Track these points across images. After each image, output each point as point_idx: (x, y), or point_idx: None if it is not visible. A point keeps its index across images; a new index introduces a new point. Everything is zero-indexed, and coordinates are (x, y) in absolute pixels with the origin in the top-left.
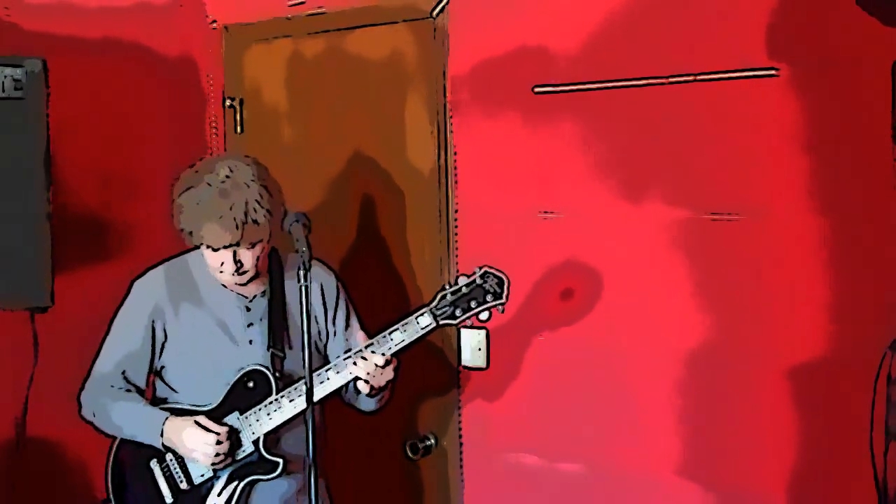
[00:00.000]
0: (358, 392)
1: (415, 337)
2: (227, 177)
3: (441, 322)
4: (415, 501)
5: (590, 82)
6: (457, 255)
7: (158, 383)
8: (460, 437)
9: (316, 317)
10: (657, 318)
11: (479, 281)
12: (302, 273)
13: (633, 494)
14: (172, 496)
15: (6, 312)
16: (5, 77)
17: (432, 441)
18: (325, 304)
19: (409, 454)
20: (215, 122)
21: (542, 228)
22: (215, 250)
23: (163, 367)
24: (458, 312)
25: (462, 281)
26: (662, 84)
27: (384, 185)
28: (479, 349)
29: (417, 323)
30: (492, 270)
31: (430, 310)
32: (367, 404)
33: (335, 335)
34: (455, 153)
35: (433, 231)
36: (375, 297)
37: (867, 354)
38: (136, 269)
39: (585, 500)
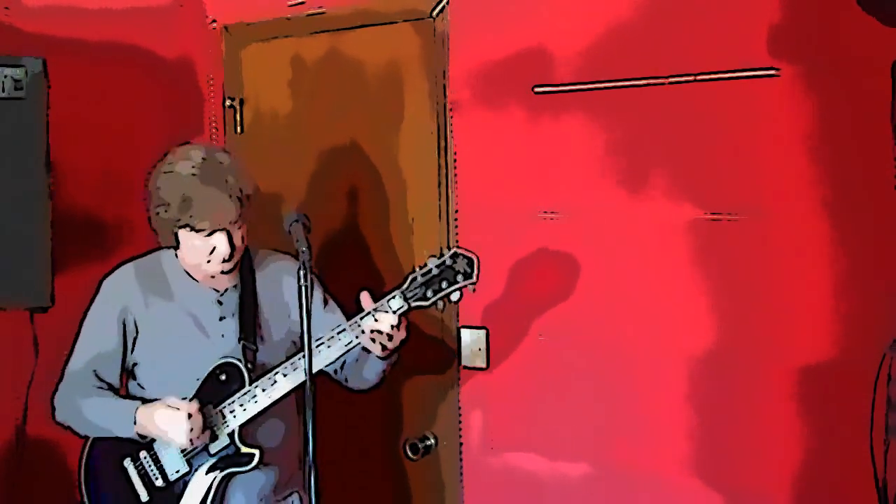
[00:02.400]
0: (367, 352)
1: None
2: (204, 159)
3: (413, 304)
4: (415, 501)
5: (590, 82)
6: None
7: (131, 382)
8: (460, 437)
9: (290, 309)
10: (657, 318)
11: (448, 262)
12: (302, 273)
13: (633, 494)
14: (148, 494)
15: (6, 312)
16: (5, 77)
17: (432, 441)
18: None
19: (409, 454)
20: (215, 123)
21: (543, 228)
22: (208, 235)
23: (135, 365)
24: (429, 293)
25: (432, 262)
26: (662, 84)
27: (384, 185)
28: (479, 349)
29: (390, 306)
30: (461, 251)
31: (402, 292)
32: (371, 373)
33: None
34: (455, 153)
35: (433, 231)
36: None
37: (867, 354)
38: None
39: (586, 501)
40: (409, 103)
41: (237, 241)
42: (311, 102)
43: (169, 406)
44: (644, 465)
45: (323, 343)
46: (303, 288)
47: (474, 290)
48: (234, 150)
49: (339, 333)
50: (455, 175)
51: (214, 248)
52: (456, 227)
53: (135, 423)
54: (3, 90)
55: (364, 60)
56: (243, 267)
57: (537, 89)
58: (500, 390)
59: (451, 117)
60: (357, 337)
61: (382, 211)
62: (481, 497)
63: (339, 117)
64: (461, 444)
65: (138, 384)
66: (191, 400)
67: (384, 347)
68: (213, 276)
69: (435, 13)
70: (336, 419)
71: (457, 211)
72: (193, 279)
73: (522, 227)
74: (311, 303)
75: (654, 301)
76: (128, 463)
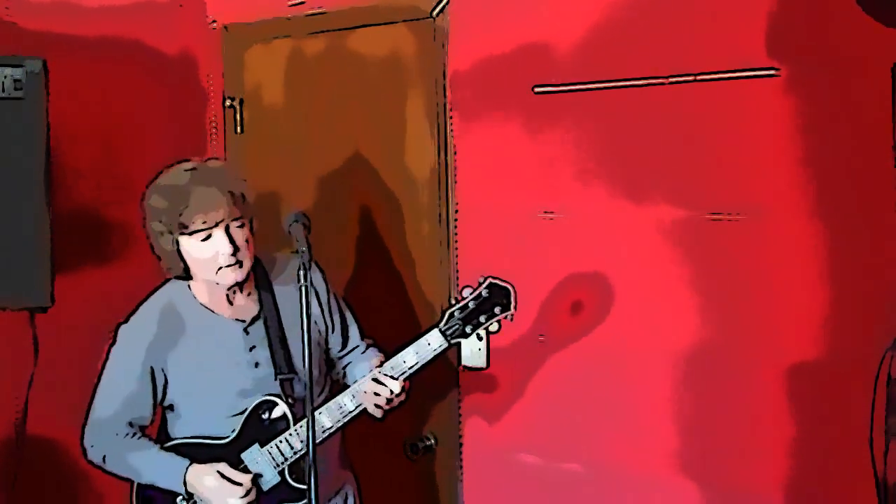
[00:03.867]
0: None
1: (428, 359)
2: (195, 168)
3: (452, 341)
4: (415, 501)
5: (590, 82)
6: (457, 255)
7: (169, 415)
8: (460, 437)
9: (313, 314)
10: (657, 317)
11: (484, 294)
12: (302, 273)
13: (632, 494)
14: None
15: (6, 312)
16: (5, 77)
17: (432, 441)
18: (318, 298)
19: (409, 454)
20: (215, 122)
21: (543, 228)
22: (204, 240)
23: (171, 405)
24: (468, 329)
25: (468, 295)
26: (662, 84)
27: (384, 185)
28: (479, 349)
29: (428, 345)
30: (496, 281)
31: (440, 329)
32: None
33: (334, 329)
34: (455, 153)
35: (433, 231)
36: (375, 297)
37: (867, 354)
38: (136, 269)
39: (585, 500)
40: (409, 103)
41: (240, 241)
42: (311, 102)
43: (222, 475)
44: (643, 464)
45: (322, 412)
46: (302, 288)
47: (512, 320)
48: (233, 151)
49: (341, 400)
50: (455, 175)
51: (218, 248)
52: (456, 227)
53: (185, 483)
54: (3, 90)
55: (364, 60)
56: (260, 287)
57: (537, 89)
58: (500, 390)
59: (451, 117)
60: (358, 404)
61: (382, 211)
62: (481, 497)
63: (338, 117)
64: (461, 444)
65: (180, 418)
66: (236, 438)
67: (379, 407)
68: (230, 293)
69: (435, 13)
70: None
71: (457, 211)
72: (214, 313)
73: (522, 226)
74: (311, 305)
75: (654, 300)
76: (181, 501)
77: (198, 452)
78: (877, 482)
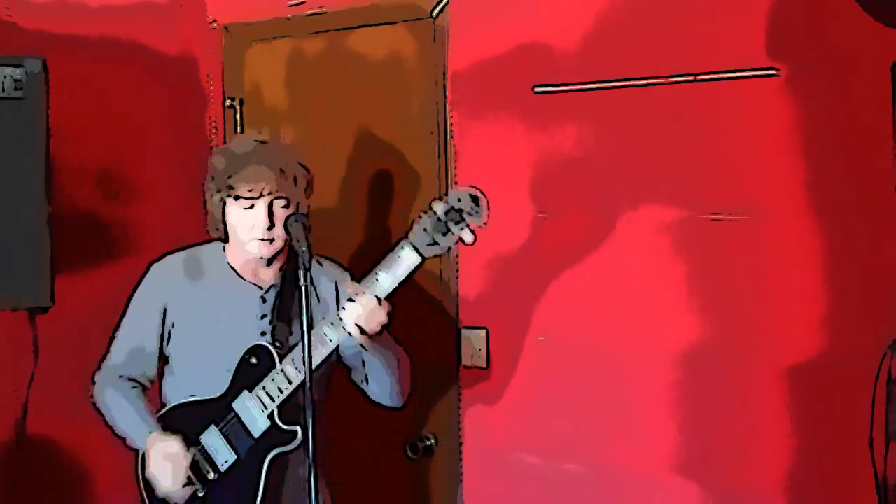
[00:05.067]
0: (363, 364)
1: (403, 276)
2: (263, 142)
3: (427, 255)
4: (415, 501)
5: (590, 82)
6: (457, 255)
7: (166, 370)
8: (460, 437)
9: (320, 307)
10: (657, 317)
11: (455, 204)
12: (302, 273)
13: (632, 494)
14: (203, 488)
15: (6, 312)
16: (5, 77)
17: (432, 441)
18: (338, 300)
19: (409, 454)
20: (215, 122)
21: (542, 228)
22: (247, 208)
23: (170, 356)
24: (438, 239)
25: (438, 207)
26: (662, 84)
27: (384, 185)
28: (479, 349)
29: (400, 258)
30: (465, 190)
31: (410, 243)
32: (378, 377)
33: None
34: (455, 153)
35: None
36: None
37: (867, 354)
38: (136, 269)
39: (585, 500)
40: (409, 103)
41: (278, 219)
42: (311, 102)
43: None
44: (643, 464)
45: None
46: (303, 288)
47: (485, 226)
48: None
49: (320, 330)
50: (455, 175)
51: (256, 220)
52: None
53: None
54: (3, 90)
55: (364, 60)
56: (288, 269)
57: (537, 89)
58: (500, 390)
59: (451, 117)
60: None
61: (382, 210)
62: (481, 497)
63: (338, 117)
64: (461, 444)
65: (175, 377)
66: (227, 390)
67: (361, 332)
68: (256, 263)
69: (435, 13)
70: (337, 419)
71: None
72: (239, 276)
73: (522, 227)
74: (311, 303)
75: (654, 301)
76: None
77: (193, 412)
78: (877, 482)
